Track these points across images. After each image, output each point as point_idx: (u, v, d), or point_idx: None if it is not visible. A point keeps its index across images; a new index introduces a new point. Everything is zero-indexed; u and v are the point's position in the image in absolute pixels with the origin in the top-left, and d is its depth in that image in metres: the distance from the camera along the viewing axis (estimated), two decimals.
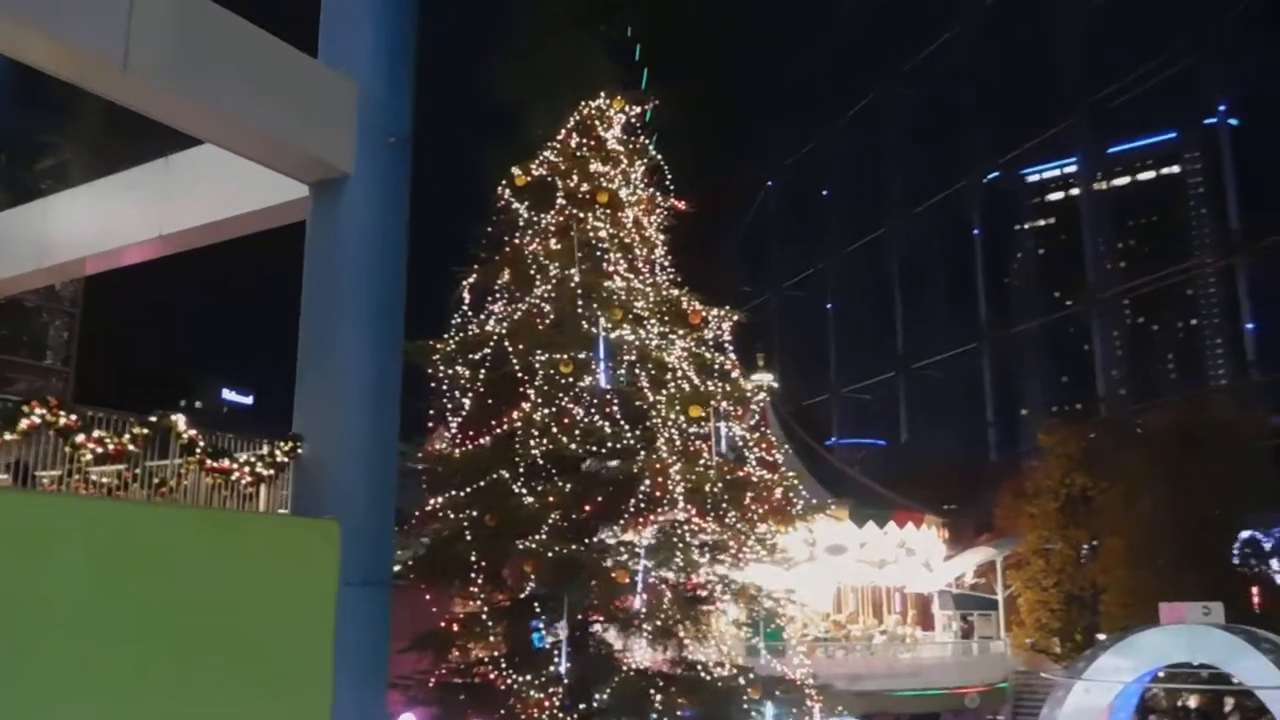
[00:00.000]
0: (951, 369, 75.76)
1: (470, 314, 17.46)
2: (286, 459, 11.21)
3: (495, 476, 15.51)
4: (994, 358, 76.14)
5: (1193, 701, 31.99)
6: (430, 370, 16.67)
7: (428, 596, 16.11)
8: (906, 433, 75.86)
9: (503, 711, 14.61)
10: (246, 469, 10.72)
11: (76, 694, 8.51)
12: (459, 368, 16.87)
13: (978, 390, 76.83)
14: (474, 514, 15.44)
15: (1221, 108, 63.87)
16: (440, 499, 15.86)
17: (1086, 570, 32.62)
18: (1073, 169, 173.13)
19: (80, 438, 9.38)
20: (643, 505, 15.00)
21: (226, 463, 10.55)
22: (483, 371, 16.54)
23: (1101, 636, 30.65)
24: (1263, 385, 53.44)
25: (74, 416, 9.37)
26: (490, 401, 16.56)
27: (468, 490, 15.74)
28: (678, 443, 15.72)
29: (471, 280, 17.65)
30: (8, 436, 8.99)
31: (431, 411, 16.86)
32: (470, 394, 16.59)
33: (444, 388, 17.00)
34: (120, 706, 8.81)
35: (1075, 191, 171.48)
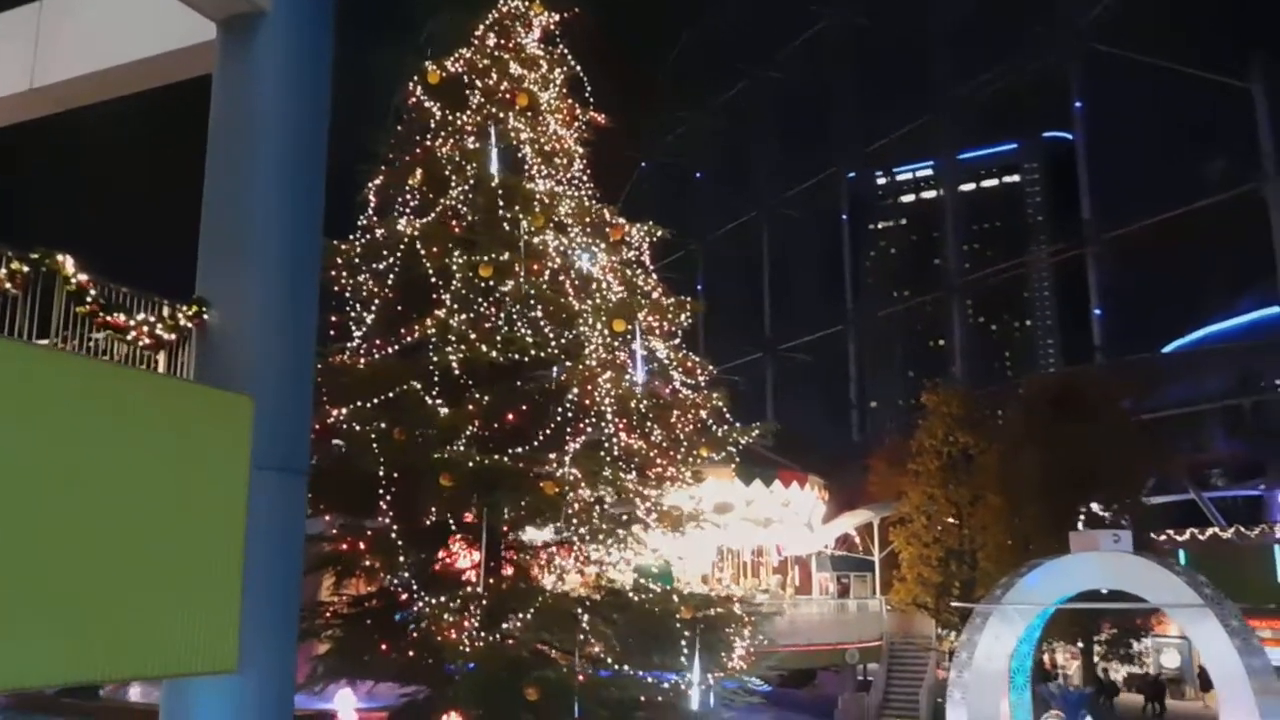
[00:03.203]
0: (818, 351, 77.52)
1: (376, 218, 16.08)
2: (190, 324, 9.72)
3: (405, 388, 14.23)
4: (859, 342, 78.24)
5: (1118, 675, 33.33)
6: (333, 275, 15.24)
7: (327, 518, 14.71)
8: (773, 413, 77.17)
9: (414, 637, 13.40)
10: (145, 328, 9.21)
11: None
12: (363, 276, 15.53)
13: (842, 373, 78.91)
14: (381, 426, 14.09)
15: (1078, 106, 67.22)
16: (342, 411, 14.40)
17: (966, 526, 33.49)
18: (927, 172, 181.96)
19: None
20: (570, 416, 14.04)
21: (123, 318, 9.03)
22: (391, 278, 15.23)
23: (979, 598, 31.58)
24: (1107, 368, 56.55)
25: None
26: (400, 309, 15.27)
27: (373, 403, 14.37)
28: (602, 354, 14.84)
29: (378, 182, 16.26)
30: None
31: (334, 320, 15.43)
32: (377, 301, 15.25)
33: (347, 295, 15.62)
34: None
35: (931, 194, 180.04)
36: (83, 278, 8.75)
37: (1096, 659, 34.12)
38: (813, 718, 33.09)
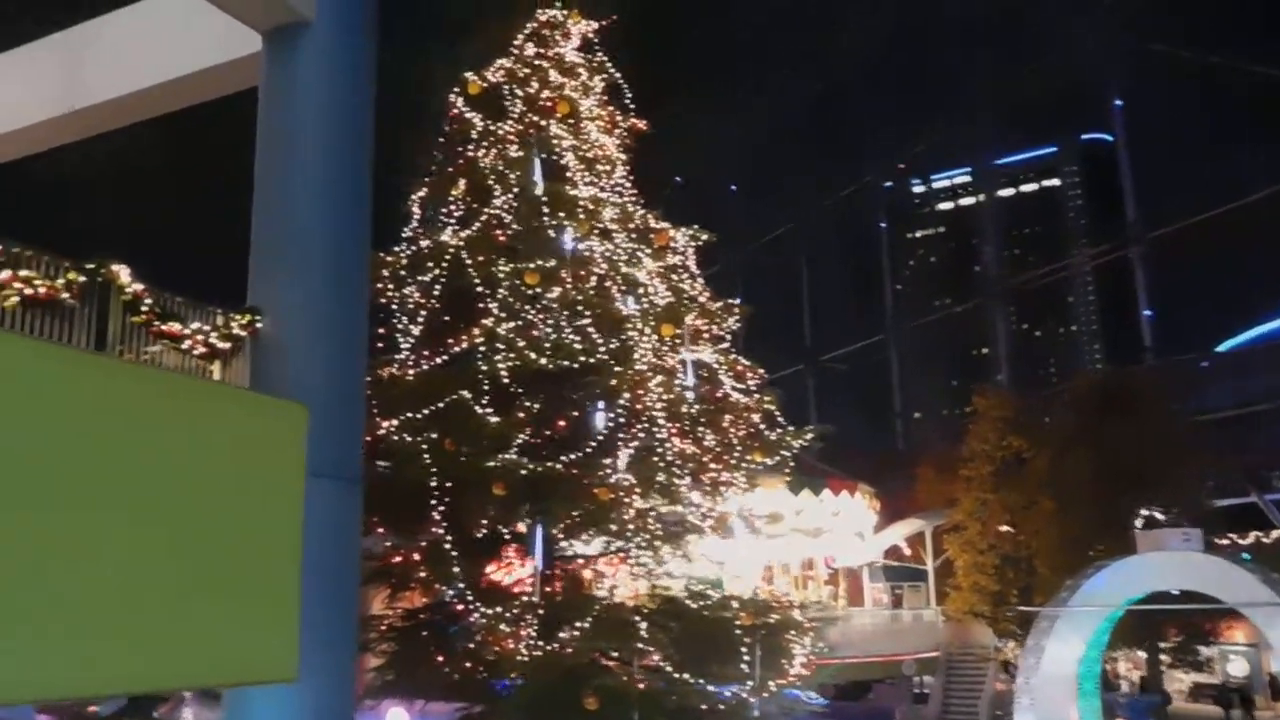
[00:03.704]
0: (859, 361, 76.84)
1: (420, 230, 16.08)
2: (243, 333, 9.69)
3: (454, 398, 14.13)
4: (900, 351, 77.50)
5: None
6: (380, 287, 15.23)
7: (380, 530, 14.62)
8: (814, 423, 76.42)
9: (469, 648, 13.26)
10: (199, 337, 9.19)
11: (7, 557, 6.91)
12: (409, 288, 15.53)
13: (884, 383, 78.12)
14: (432, 437, 14.00)
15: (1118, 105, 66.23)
16: (393, 422, 14.33)
17: (1021, 532, 32.76)
18: (965, 179, 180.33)
19: (4, 274, 7.75)
20: (621, 421, 13.87)
21: (177, 327, 9.00)
22: (437, 289, 15.19)
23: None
24: (1158, 369, 55.36)
25: None
26: (446, 319, 15.22)
27: (423, 414, 14.29)
28: (652, 359, 14.67)
29: (421, 194, 16.28)
30: None
31: (381, 332, 15.41)
32: (423, 312, 15.21)
33: (393, 308, 15.60)
34: (58, 580, 7.23)
35: (969, 200, 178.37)
36: (138, 287, 8.75)
37: (1163, 667, 33.16)
38: None
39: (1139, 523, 32.81)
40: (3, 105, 12.82)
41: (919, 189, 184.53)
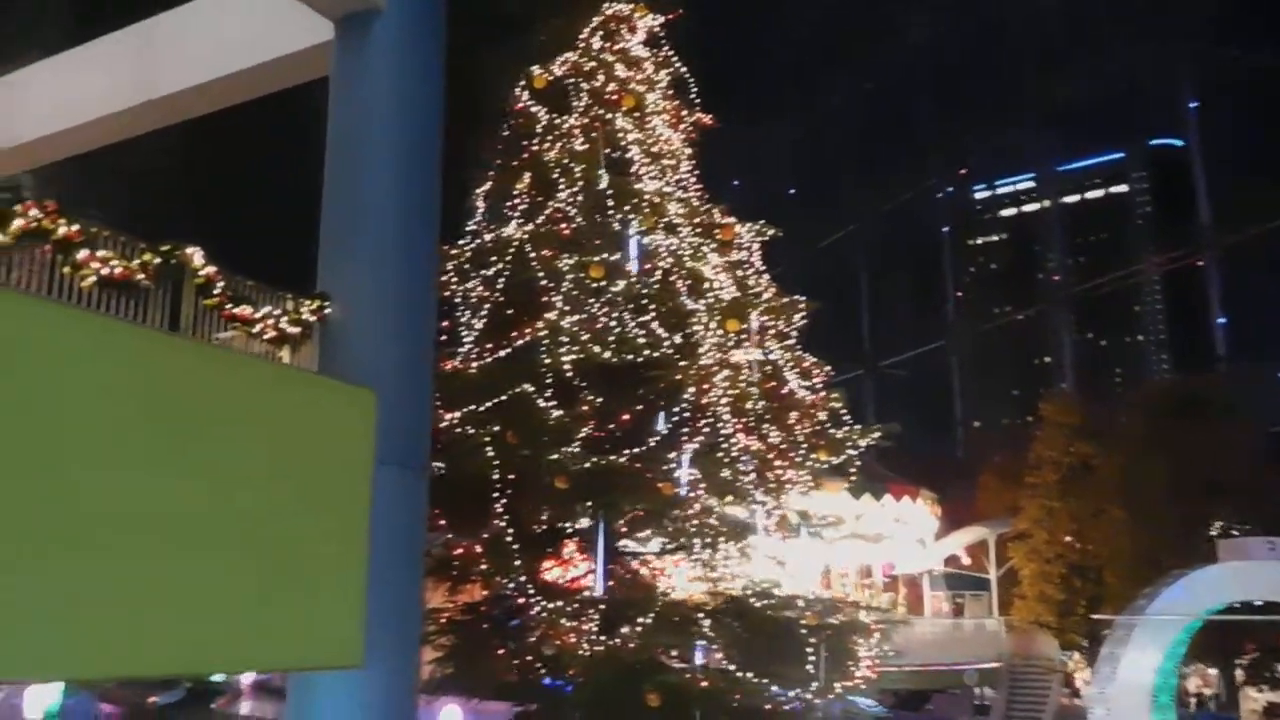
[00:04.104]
0: (919, 368, 75.78)
1: (484, 223, 16.06)
2: (313, 318, 9.68)
3: (517, 391, 14.05)
4: (961, 358, 76.24)
5: None
6: (444, 281, 15.22)
7: (441, 523, 14.59)
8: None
9: (531, 641, 13.16)
10: (269, 321, 9.19)
11: (76, 525, 6.94)
12: (472, 282, 15.52)
13: (944, 390, 76.87)
14: (495, 429, 13.94)
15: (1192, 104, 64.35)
16: (455, 415, 14.30)
17: (1089, 541, 31.87)
18: (1029, 185, 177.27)
19: (82, 254, 7.80)
20: (685, 416, 13.68)
21: (249, 311, 9.02)
22: (500, 282, 15.15)
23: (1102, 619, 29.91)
24: (1232, 376, 53.61)
25: (75, 227, 7.79)
26: (510, 313, 15.16)
27: (485, 407, 14.23)
28: (717, 354, 14.46)
29: (485, 188, 16.26)
30: None
31: (444, 325, 15.40)
32: (487, 305, 15.18)
33: (457, 301, 15.60)
34: (125, 558, 7.24)
35: (1033, 206, 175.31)
36: (211, 270, 8.77)
37: (1239, 683, 32.00)
38: None
39: (1214, 533, 31.73)
40: (80, 96, 13.06)
41: (982, 194, 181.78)
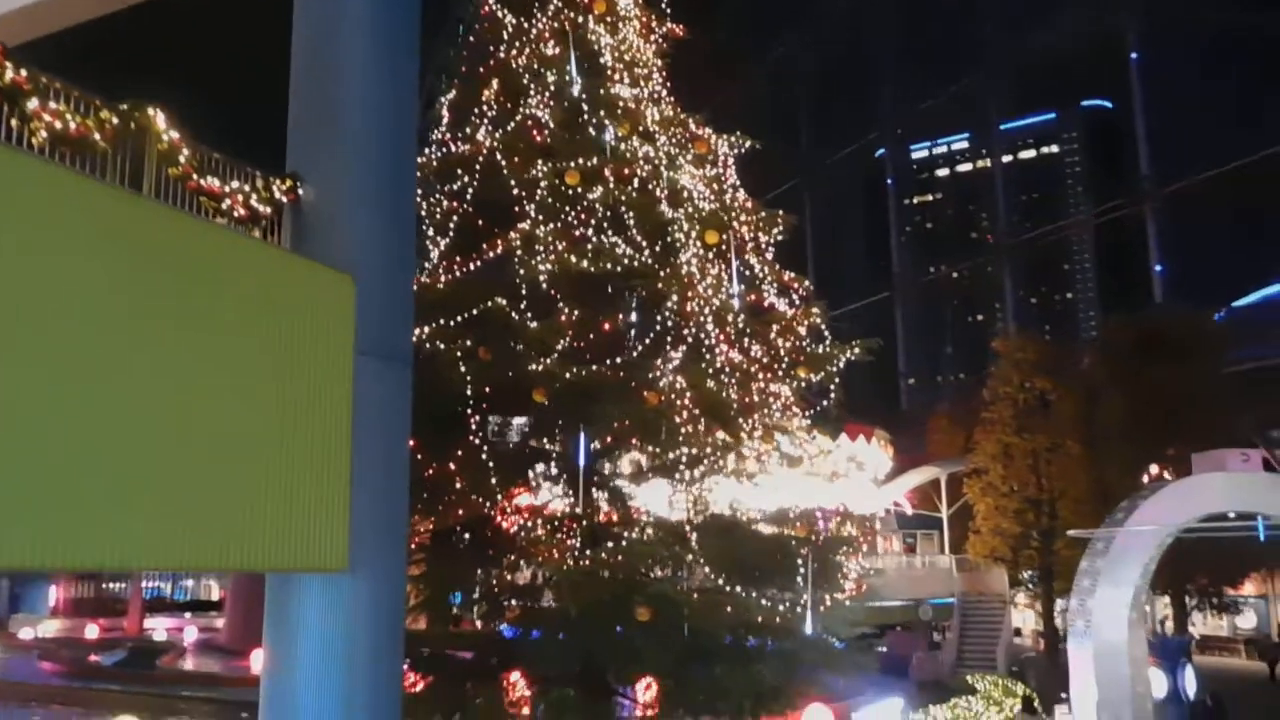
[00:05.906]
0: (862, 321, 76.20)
1: (451, 133, 15.29)
2: (284, 199, 8.92)
3: (490, 304, 13.40)
4: (905, 311, 76.97)
5: None
6: None
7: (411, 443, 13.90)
8: None
9: (509, 559, 12.64)
10: (239, 198, 8.43)
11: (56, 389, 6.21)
12: (436, 196, 14.77)
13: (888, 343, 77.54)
14: (466, 344, 13.28)
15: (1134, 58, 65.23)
16: (424, 330, 13.59)
17: (1044, 475, 32.31)
18: (963, 145, 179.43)
19: (33, 104, 6.97)
20: (669, 325, 13.19)
21: (217, 184, 8.24)
22: (469, 194, 14.43)
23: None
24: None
25: (24, 73, 6.95)
26: (480, 223, 14.46)
27: (456, 321, 13.56)
28: (697, 265, 13.98)
29: (451, 96, 15.47)
30: None
31: None
32: (455, 218, 14.46)
33: (421, 215, 14.84)
34: (91, 443, 6.54)
35: (967, 166, 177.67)
36: (174, 135, 7.97)
37: (1189, 608, 32.87)
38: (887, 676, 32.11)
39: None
40: None
41: (919, 154, 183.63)
